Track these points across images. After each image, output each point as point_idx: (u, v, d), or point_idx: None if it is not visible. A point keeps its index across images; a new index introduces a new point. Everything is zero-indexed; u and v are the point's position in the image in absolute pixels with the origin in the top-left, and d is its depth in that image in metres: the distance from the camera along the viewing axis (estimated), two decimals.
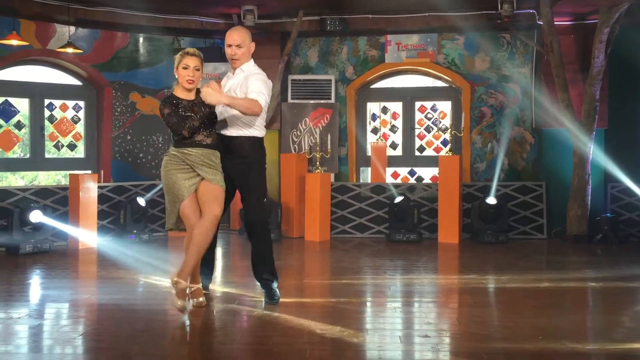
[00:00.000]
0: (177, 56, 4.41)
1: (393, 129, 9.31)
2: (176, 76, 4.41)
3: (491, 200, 7.82)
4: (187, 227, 4.37)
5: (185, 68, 4.36)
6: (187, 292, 4.32)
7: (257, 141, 4.60)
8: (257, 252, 4.64)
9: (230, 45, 4.55)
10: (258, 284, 4.70)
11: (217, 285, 5.47)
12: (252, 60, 4.64)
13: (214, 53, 9.16)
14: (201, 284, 4.54)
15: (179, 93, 4.42)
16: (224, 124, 4.56)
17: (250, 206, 4.56)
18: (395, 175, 9.32)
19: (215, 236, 4.56)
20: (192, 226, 4.31)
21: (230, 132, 4.54)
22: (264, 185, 4.67)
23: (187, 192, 4.33)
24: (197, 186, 4.36)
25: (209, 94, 4.23)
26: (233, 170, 4.52)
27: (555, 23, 7.72)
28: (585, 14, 7.87)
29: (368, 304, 4.82)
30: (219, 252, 7.49)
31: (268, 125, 9.00)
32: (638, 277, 5.72)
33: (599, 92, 7.72)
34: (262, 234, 4.60)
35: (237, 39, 4.55)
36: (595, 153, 7.84)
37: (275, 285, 4.63)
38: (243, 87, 4.49)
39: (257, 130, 4.58)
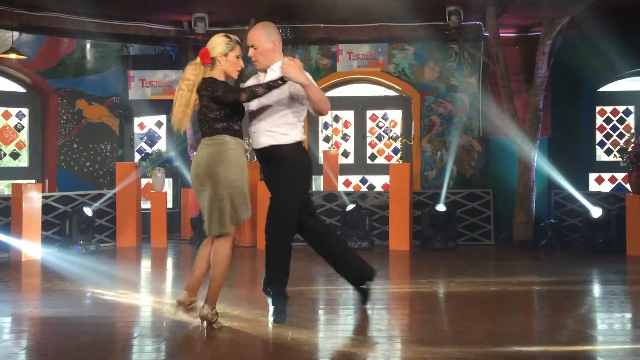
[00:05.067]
0: (231, 43, 4.10)
1: (345, 137, 9.38)
2: (221, 62, 4.06)
3: (441, 207, 7.95)
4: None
5: (238, 57, 4.13)
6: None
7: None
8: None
9: (249, 47, 4.30)
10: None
11: (167, 296, 5.37)
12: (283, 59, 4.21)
13: (164, 60, 9.05)
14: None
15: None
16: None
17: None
18: (347, 183, 9.38)
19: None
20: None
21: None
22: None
23: None
24: None
25: (292, 67, 3.99)
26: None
27: (500, 35, 7.95)
28: (529, 27, 8.13)
29: (320, 311, 4.82)
30: (169, 262, 7.38)
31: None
32: (581, 281, 5.92)
33: (542, 102, 7.98)
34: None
35: (250, 39, 4.29)
36: (539, 161, 8.09)
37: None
38: (284, 87, 4.12)
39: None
